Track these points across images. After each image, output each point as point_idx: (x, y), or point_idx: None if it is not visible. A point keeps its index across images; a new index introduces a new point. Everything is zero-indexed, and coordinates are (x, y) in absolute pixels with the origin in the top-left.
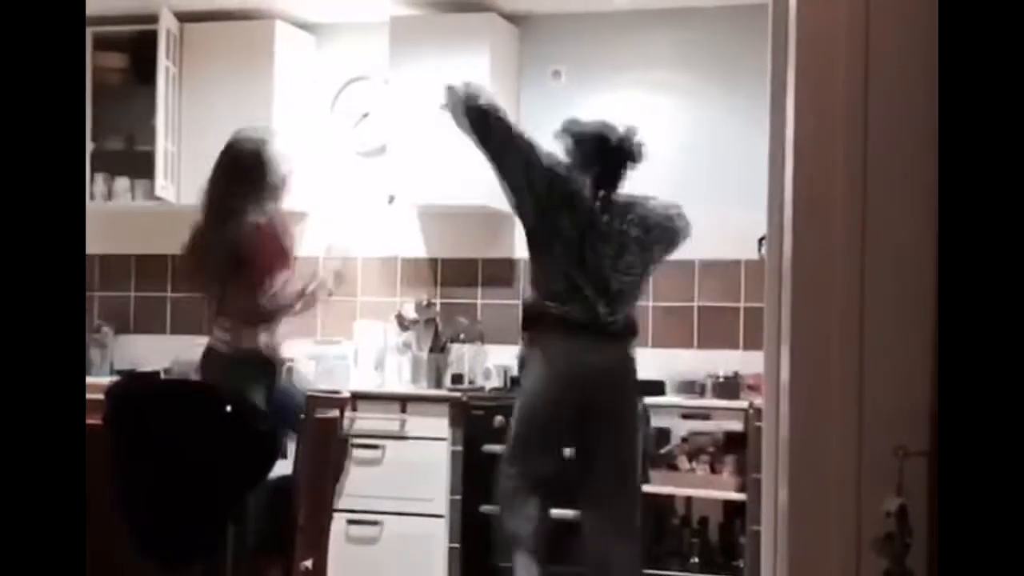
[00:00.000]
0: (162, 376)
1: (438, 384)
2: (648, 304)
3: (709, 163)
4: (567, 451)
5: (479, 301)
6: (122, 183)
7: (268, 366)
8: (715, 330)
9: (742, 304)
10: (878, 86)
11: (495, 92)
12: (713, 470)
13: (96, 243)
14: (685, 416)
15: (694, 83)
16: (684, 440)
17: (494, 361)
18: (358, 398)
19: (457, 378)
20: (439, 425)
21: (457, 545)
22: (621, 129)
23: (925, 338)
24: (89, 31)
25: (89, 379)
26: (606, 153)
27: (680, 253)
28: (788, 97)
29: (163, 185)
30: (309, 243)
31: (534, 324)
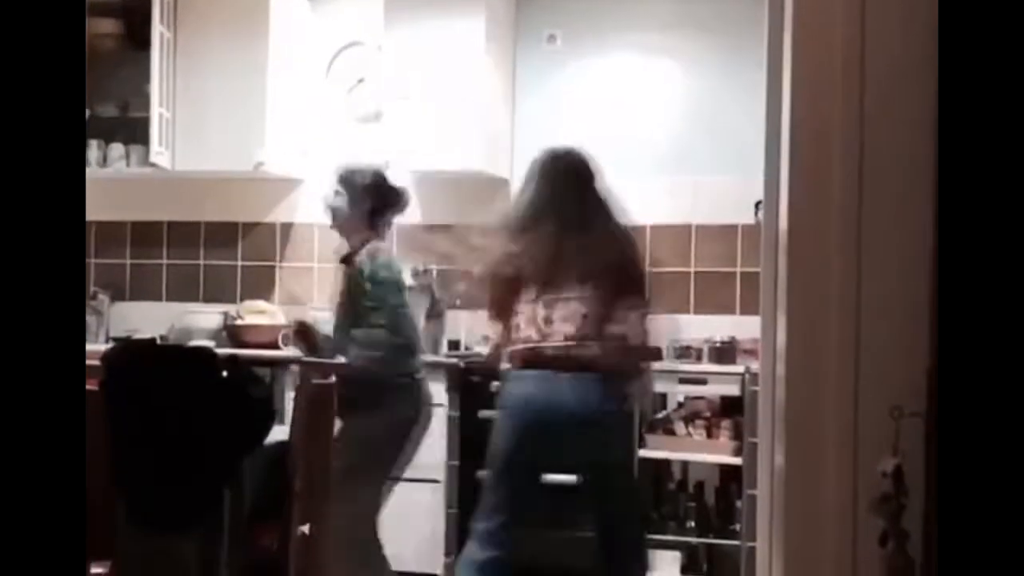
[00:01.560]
0: (158, 343)
1: (435, 350)
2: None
3: (705, 127)
4: None
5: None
6: (117, 149)
7: None
8: (711, 295)
9: (738, 269)
10: (875, 51)
11: (489, 55)
12: (710, 434)
13: (91, 210)
14: (682, 381)
15: (690, 47)
16: (681, 405)
17: None
18: None
19: (454, 344)
20: (436, 391)
21: (455, 510)
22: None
23: (921, 301)
24: None
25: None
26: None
27: (677, 217)
28: (785, 61)
29: (158, 151)
30: (304, 211)
31: None
